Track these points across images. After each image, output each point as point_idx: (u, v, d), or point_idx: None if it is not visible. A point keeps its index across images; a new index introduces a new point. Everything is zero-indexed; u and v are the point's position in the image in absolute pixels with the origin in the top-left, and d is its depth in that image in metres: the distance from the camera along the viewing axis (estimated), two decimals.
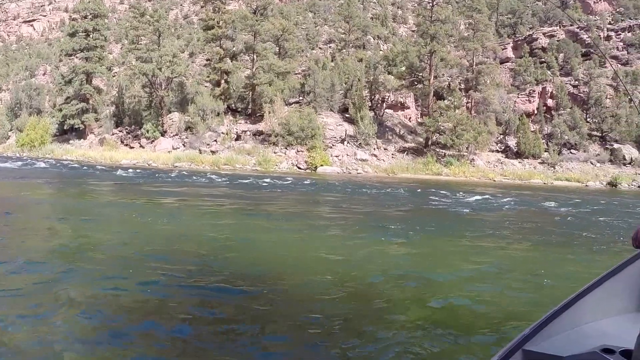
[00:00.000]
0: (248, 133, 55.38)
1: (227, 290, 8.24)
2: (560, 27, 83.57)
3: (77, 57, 63.80)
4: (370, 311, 7.63)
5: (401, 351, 6.19)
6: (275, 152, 51.10)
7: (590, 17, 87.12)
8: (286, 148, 51.38)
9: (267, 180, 32.75)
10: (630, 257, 4.58)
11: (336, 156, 50.78)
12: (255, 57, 58.83)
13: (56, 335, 6.17)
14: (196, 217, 16.36)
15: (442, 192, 31.28)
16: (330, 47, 73.79)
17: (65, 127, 62.89)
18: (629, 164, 63.08)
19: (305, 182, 32.62)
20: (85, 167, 38.45)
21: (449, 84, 61.26)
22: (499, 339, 6.75)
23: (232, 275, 9.27)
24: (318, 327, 6.80)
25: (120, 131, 61.13)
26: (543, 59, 75.13)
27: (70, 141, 61.32)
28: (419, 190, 32.25)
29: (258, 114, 57.17)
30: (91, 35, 61.50)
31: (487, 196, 30.18)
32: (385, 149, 53.91)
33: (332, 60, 64.94)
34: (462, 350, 6.43)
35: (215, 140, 53.74)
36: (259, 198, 23.73)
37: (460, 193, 31.22)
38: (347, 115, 55.89)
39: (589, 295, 4.42)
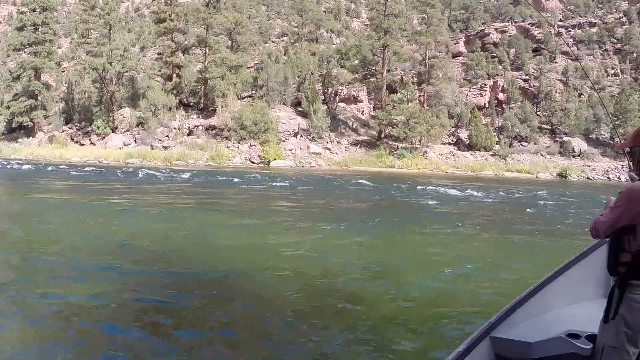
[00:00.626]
0: (200, 128, 54.82)
1: (185, 290, 7.94)
2: (511, 23, 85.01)
3: (25, 52, 61.92)
4: (333, 305, 7.51)
5: (366, 344, 6.11)
6: (228, 147, 50.67)
7: (542, 13, 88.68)
8: (239, 142, 51.01)
9: (221, 175, 32.32)
10: (592, 246, 4.78)
11: (289, 150, 50.61)
12: (207, 50, 58.24)
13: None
14: (149, 215, 15.81)
15: (396, 184, 31.47)
16: (283, 40, 73.58)
17: (13, 125, 61.11)
18: (578, 156, 64.53)
19: (259, 176, 32.14)
20: (34, 166, 37.30)
21: (402, 78, 61.63)
22: (464, 327, 6.69)
23: (190, 274, 8.97)
24: (280, 325, 6.63)
25: (70, 128, 59.79)
26: (494, 54, 76.41)
27: (19, 139, 59.64)
28: (374, 183, 32.22)
29: (210, 109, 56.61)
30: (40, 29, 59.86)
31: (441, 188, 30.31)
32: (338, 143, 53.95)
33: (285, 54, 64.69)
34: (427, 340, 6.43)
35: (167, 136, 53.02)
36: (213, 194, 23.26)
37: (415, 185, 31.45)
38: (300, 109, 55.76)
39: (554, 282, 4.60)
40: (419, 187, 30.04)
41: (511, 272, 10.05)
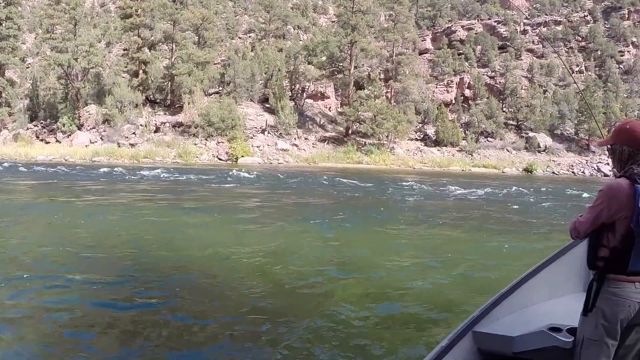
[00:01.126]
0: (167, 125, 54.41)
1: (151, 291, 7.72)
2: (478, 21, 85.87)
3: None
4: (307, 304, 7.37)
5: (340, 343, 5.98)
6: (195, 144, 50.38)
7: (508, 11, 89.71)
8: (206, 139, 50.75)
9: (188, 173, 31.62)
10: (570, 244, 4.85)
11: (257, 147, 50.54)
12: (174, 46, 57.80)
13: None
14: (116, 214, 15.26)
15: (365, 180, 31.42)
16: (250, 36, 73.33)
17: None
18: (544, 151, 65.63)
19: (227, 173, 31.62)
20: None
21: (369, 74, 61.87)
22: (437, 323, 6.75)
23: (156, 274, 8.68)
24: (249, 325, 6.46)
25: (35, 126, 58.73)
26: (461, 51, 77.29)
27: None
28: (342, 179, 32.13)
29: (177, 105, 56.22)
30: (4, 24, 58.64)
31: (409, 183, 30.53)
32: (306, 139, 54.01)
33: (252, 50, 64.48)
34: (403, 337, 6.33)
35: (134, 133, 52.48)
36: (181, 192, 22.78)
37: (383, 181, 31.74)
38: (267, 106, 55.66)
39: (535, 277, 4.66)
40: (387, 183, 30.27)
41: (483, 268, 10.07)
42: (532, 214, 19.21)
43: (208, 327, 6.44)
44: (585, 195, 27.82)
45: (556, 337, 3.55)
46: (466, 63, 75.27)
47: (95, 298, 7.31)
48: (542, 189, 32.00)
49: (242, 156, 47.40)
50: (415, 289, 8.32)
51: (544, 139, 67.36)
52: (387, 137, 55.66)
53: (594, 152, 69.14)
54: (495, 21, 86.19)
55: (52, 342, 5.85)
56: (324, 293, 7.91)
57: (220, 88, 58.39)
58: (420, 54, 73.75)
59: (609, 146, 3.45)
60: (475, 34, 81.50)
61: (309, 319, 6.67)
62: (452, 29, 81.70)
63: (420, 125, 63.15)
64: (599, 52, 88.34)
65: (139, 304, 7.16)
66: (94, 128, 53.84)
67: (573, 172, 62.28)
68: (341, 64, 59.55)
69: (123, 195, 20.78)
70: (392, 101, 61.43)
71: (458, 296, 7.96)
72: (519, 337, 3.84)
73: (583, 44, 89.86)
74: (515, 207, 21.17)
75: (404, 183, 30.55)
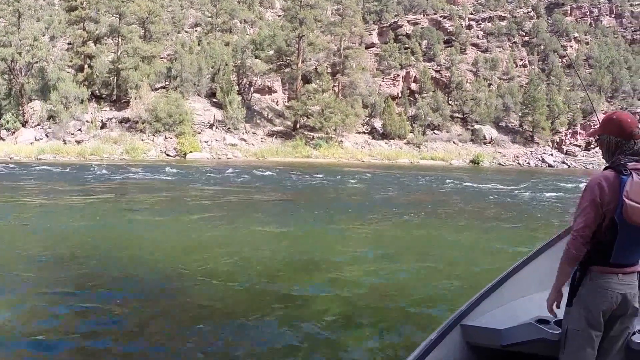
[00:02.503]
0: (114, 120, 53.60)
1: (106, 296, 7.30)
2: (424, 15, 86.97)
3: None
4: (263, 303, 7.10)
5: (304, 342, 5.84)
6: (143, 140, 49.72)
7: (453, 7, 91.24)
8: (154, 135, 50.19)
9: (136, 169, 30.73)
10: (559, 234, 4.96)
11: (205, 142, 50.22)
12: (120, 40, 57.01)
13: None
14: (64, 215, 14.52)
15: (315, 174, 31.61)
16: (196, 30, 72.67)
17: None
18: (489, 143, 67.19)
19: (176, 170, 31.08)
20: None
21: (316, 68, 62.12)
22: (398, 320, 6.64)
23: (109, 277, 8.20)
24: (209, 326, 6.21)
25: None
26: (407, 45, 78.26)
27: None
28: (292, 173, 32.29)
29: (123, 100, 55.39)
30: None
31: (359, 176, 31.04)
32: (254, 133, 53.97)
33: (198, 44, 63.97)
34: (365, 333, 6.22)
35: (80, 130, 51.53)
36: (129, 190, 22.07)
37: (334, 174, 31.88)
38: (215, 100, 55.34)
39: (522, 271, 4.75)
40: (338, 176, 30.47)
41: (435, 259, 10.18)
42: (483, 204, 19.93)
43: (157, 331, 6.15)
44: (535, 183, 28.70)
45: (544, 329, 3.58)
46: (412, 57, 76.24)
47: (48, 306, 6.88)
48: (495, 179, 32.90)
49: (191, 152, 46.96)
50: (375, 283, 8.31)
51: (489, 131, 68.93)
52: (335, 130, 56.02)
53: (538, 143, 71.17)
54: (440, 16, 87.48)
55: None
56: (283, 290, 7.68)
57: (167, 83, 57.79)
58: (366, 48, 74.30)
59: (597, 137, 3.50)
60: (421, 28, 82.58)
61: (268, 318, 6.51)
62: (399, 23, 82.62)
63: (367, 118, 63.77)
64: (542, 47, 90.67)
65: (96, 309, 6.78)
66: (38, 125, 52.73)
67: (519, 163, 63.98)
68: (289, 58, 59.66)
69: (71, 194, 19.97)
70: (340, 95, 61.78)
71: (419, 288, 8.11)
72: (507, 329, 3.86)
73: (527, 38, 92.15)
74: (471, 197, 21.97)
75: (355, 176, 30.94)
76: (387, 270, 9.21)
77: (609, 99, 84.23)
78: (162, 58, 60.28)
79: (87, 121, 52.13)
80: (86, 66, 57.17)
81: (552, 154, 70.14)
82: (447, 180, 30.69)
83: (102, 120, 53.32)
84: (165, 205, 17.05)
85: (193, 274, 8.37)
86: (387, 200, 20.49)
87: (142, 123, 50.40)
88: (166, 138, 49.56)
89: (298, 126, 56.73)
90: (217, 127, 52.43)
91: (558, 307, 3.41)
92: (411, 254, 10.61)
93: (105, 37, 59.60)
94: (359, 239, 12.36)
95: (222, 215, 15.08)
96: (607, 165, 3.30)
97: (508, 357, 4.15)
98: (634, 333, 3.46)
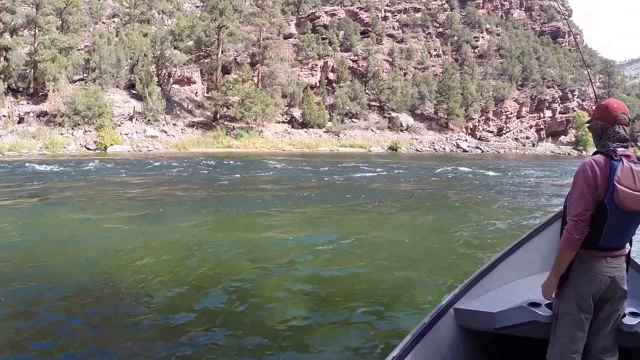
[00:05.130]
0: (32, 115, 52.46)
1: (37, 303, 6.59)
2: (341, 7, 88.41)
3: None
4: (246, 303, 6.74)
5: (262, 341, 5.57)
6: (62, 134, 48.70)
7: None
8: (73, 129, 49.36)
9: (57, 164, 28.70)
10: (550, 218, 5.07)
11: (126, 134, 49.67)
12: (37, 31, 55.89)
13: None
14: None
15: (238, 163, 31.84)
16: (114, 21, 71.52)
17: None
18: (406, 130, 69.52)
19: (97, 164, 29.52)
20: None
21: (236, 59, 62.52)
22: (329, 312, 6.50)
23: (36, 284, 7.29)
24: (157, 330, 5.81)
25: None
26: (325, 36, 79.76)
27: None
28: (214, 164, 32.13)
29: (41, 94, 54.30)
30: None
31: (281, 164, 31.59)
32: (174, 125, 53.80)
33: (116, 35, 63.17)
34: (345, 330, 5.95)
35: None
36: (50, 187, 19.51)
37: (257, 164, 32.29)
38: (134, 92, 54.82)
39: (514, 255, 4.85)
40: (261, 165, 30.80)
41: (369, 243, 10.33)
42: (401, 187, 21.13)
43: (104, 333, 5.77)
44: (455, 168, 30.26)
45: (535, 312, 3.57)
46: (330, 47, 77.96)
47: None
48: (414, 164, 34.40)
49: (111, 144, 46.07)
50: (317, 274, 8.11)
51: (405, 119, 71.27)
52: (255, 120, 56.60)
53: (452, 129, 73.96)
54: (357, 7, 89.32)
55: None
56: (258, 289, 7.33)
57: (86, 75, 56.88)
58: (285, 38, 75.11)
59: (588, 125, 3.55)
60: (339, 19, 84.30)
61: (257, 320, 6.18)
62: (316, 14, 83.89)
63: (287, 108, 64.83)
64: (455, 38, 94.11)
65: (24, 316, 6.21)
66: None
67: (434, 149, 66.46)
68: (208, 49, 59.65)
69: None
70: (260, 85, 62.31)
71: (367, 276, 8.03)
72: (499, 313, 3.87)
73: (441, 30, 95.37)
74: (392, 181, 23.16)
75: (278, 165, 31.52)
76: (324, 259, 9.06)
77: (519, 87, 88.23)
78: (79, 50, 59.20)
79: (3, 116, 50.93)
80: (2, 59, 55.83)
81: (466, 140, 73.23)
82: (368, 167, 32.09)
83: (19, 114, 52.22)
84: (88, 203, 15.60)
85: (126, 278, 7.62)
86: (314, 188, 20.62)
87: (61, 116, 49.45)
88: (86, 131, 48.83)
89: (218, 117, 56.97)
90: (137, 119, 52.08)
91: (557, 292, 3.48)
92: (349, 240, 10.54)
93: (21, 29, 58.22)
94: (293, 227, 12.21)
95: (148, 212, 14.00)
96: (597, 150, 3.36)
97: (501, 339, 4.32)
98: (624, 315, 3.47)
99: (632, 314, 3.51)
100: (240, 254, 9.25)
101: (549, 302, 3.53)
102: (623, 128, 3.33)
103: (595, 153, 3.31)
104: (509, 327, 3.80)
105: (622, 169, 3.12)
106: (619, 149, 3.23)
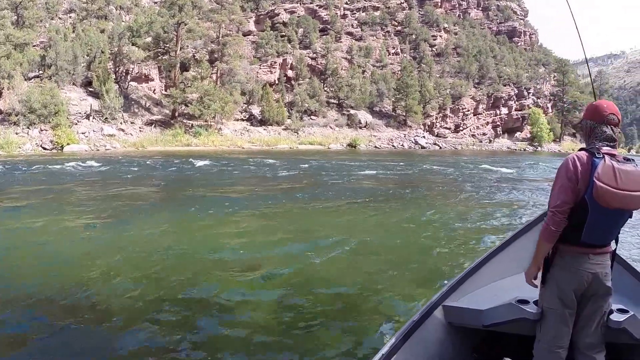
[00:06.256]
0: None
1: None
2: (300, 4, 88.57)
3: None
4: (210, 310, 6.60)
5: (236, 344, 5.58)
6: (17, 133, 47.89)
7: None
8: (29, 128, 48.63)
9: (11, 165, 27.75)
10: (536, 218, 5.13)
11: (83, 133, 48.88)
12: None
13: None
14: None
15: (197, 162, 31.54)
16: (71, 17, 70.39)
17: None
18: (364, 127, 70.27)
19: (54, 164, 28.84)
20: None
21: (194, 55, 62.20)
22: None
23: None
24: (115, 339, 5.66)
25: None
26: (284, 33, 79.86)
27: None
28: (174, 162, 32.01)
29: None
30: None
31: (244, 163, 31.77)
32: (132, 123, 53.17)
33: (73, 31, 62.21)
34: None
35: None
36: (5, 189, 18.67)
37: (218, 162, 32.26)
38: (91, 89, 54.11)
39: (502, 253, 4.92)
40: (221, 164, 30.72)
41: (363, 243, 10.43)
42: (356, 183, 20.99)
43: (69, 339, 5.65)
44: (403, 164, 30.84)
45: (523, 309, 3.61)
46: (289, 45, 78.05)
47: None
48: (374, 161, 34.78)
49: (68, 144, 44.94)
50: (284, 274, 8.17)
51: (364, 116, 71.99)
52: (214, 118, 56.45)
53: (410, 126, 74.90)
54: (317, 5, 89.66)
55: None
56: (182, 293, 7.17)
57: (41, 72, 56.02)
58: (244, 35, 74.93)
59: (580, 124, 3.61)
60: (298, 17, 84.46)
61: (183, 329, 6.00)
62: (276, 11, 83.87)
63: (245, 105, 64.75)
64: (413, 36, 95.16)
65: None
66: None
67: (393, 146, 67.25)
68: (167, 45, 59.17)
69: None
70: (219, 82, 62.15)
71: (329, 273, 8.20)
72: (488, 310, 3.91)
73: (399, 28, 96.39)
74: (347, 179, 22.97)
75: (238, 163, 31.81)
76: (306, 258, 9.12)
77: (476, 85, 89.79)
78: (35, 46, 58.36)
79: None
80: None
81: (424, 137, 74.36)
82: (329, 164, 32.62)
83: None
84: (43, 206, 15.02)
85: (82, 285, 7.35)
86: (275, 186, 20.76)
87: (16, 115, 48.61)
88: (42, 130, 47.96)
89: (177, 114, 56.58)
90: (94, 118, 51.42)
91: (537, 281, 3.58)
92: (310, 238, 10.78)
93: None
94: (256, 229, 12.17)
95: (107, 215, 13.55)
96: (582, 147, 3.44)
97: (489, 337, 4.36)
98: (611, 312, 3.52)
99: (620, 311, 3.57)
100: (200, 258, 9.07)
101: (536, 299, 3.61)
102: (611, 128, 3.38)
103: (581, 149, 3.38)
104: (498, 324, 3.86)
105: (602, 166, 3.17)
106: (604, 148, 3.30)
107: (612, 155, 3.25)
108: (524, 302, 3.67)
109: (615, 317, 3.49)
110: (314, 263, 8.78)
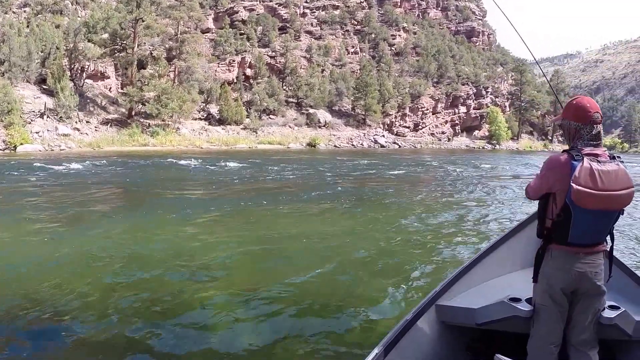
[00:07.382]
0: None
1: None
2: (259, 2, 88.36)
3: None
4: (180, 319, 6.28)
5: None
6: None
7: None
8: None
9: None
10: (528, 217, 5.17)
11: (36, 132, 47.74)
12: None
13: None
14: None
15: (155, 162, 31.44)
16: (25, 11, 68.82)
17: None
18: (324, 126, 70.41)
19: (7, 165, 28.02)
20: None
21: (152, 53, 61.36)
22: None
23: None
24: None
25: None
26: (243, 31, 79.67)
27: None
28: (131, 162, 31.40)
29: None
30: None
31: (202, 163, 31.37)
32: (87, 122, 52.08)
33: (27, 26, 60.80)
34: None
35: None
36: None
37: (176, 162, 31.87)
38: (45, 87, 52.97)
39: (495, 252, 4.95)
40: (179, 165, 30.44)
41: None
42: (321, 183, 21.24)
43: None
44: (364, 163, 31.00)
45: (515, 307, 3.65)
46: (248, 43, 77.96)
47: None
48: (332, 160, 34.79)
49: (22, 144, 43.55)
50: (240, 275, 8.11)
51: (323, 115, 72.11)
52: (171, 117, 55.84)
53: (370, 125, 75.36)
54: (276, 3, 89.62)
55: None
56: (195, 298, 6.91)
57: None
58: (202, 33, 74.30)
59: (559, 123, 3.55)
60: (257, 15, 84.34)
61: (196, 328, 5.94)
62: (235, 9, 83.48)
63: (203, 104, 64.36)
64: (373, 36, 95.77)
65: None
66: None
67: (353, 145, 67.55)
68: (124, 42, 58.16)
69: None
70: (176, 81, 61.53)
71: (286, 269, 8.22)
72: (481, 308, 3.93)
73: (359, 27, 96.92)
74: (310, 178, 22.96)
75: (196, 163, 31.36)
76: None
77: (435, 84, 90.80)
78: None
79: None
80: None
81: (383, 135, 74.87)
82: (289, 164, 32.61)
83: None
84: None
85: (38, 297, 6.90)
86: (235, 187, 20.69)
87: None
88: None
89: (134, 113, 55.72)
90: (48, 116, 50.30)
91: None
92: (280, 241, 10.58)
93: None
94: (219, 231, 11.92)
95: (63, 220, 13.01)
96: (564, 149, 3.45)
97: (483, 335, 4.38)
98: (604, 309, 3.56)
99: (611, 307, 3.61)
100: (163, 263, 8.73)
101: (528, 297, 3.67)
102: (596, 127, 3.36)
103: (564, 152, 3.38)
104: (491, 323, 3.88)
105: (580, 169, 3.18)
106: (586, 149, 3.30)
107: (595, 155, 3.27)
108: (516, 300, 3.71)
109: (607, 313, 3.55)
110: (277, 268, 8.63)
